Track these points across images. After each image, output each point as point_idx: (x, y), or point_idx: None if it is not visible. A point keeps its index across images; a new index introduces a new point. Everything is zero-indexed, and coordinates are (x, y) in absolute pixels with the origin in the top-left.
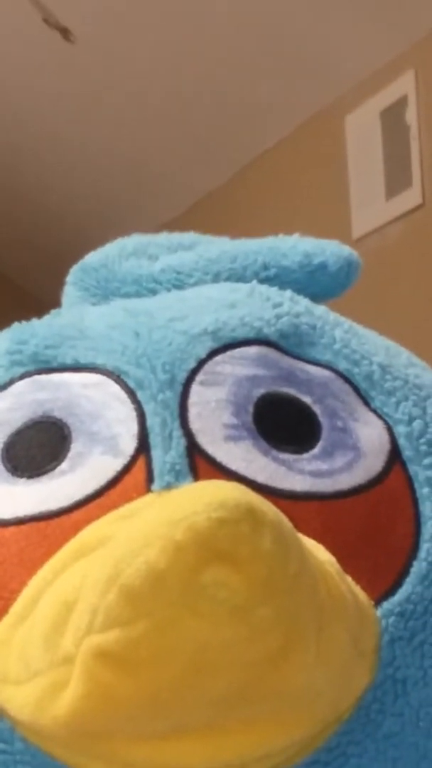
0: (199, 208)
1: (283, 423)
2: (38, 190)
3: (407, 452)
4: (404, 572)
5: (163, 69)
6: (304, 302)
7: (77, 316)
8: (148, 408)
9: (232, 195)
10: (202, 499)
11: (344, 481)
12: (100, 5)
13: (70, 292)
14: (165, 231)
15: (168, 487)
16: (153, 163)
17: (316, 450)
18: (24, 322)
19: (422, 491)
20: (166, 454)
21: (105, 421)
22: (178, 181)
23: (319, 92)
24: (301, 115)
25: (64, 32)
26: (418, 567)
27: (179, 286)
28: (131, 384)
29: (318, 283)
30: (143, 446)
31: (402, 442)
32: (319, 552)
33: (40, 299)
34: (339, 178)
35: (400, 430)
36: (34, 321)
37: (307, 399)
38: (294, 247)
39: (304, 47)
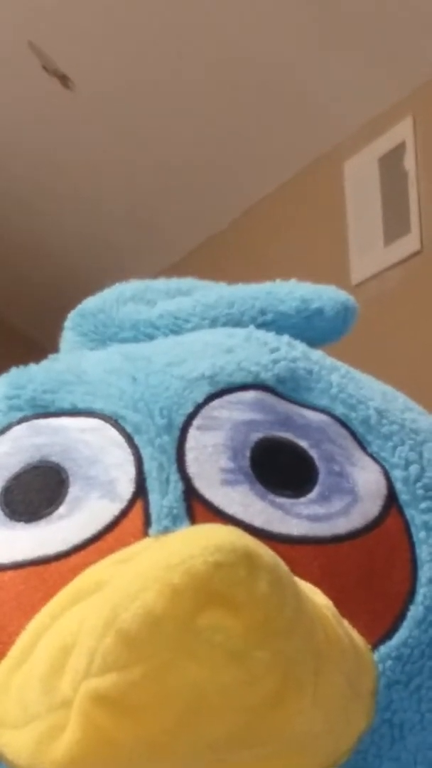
0: (199, 253)
1: (280, 467)
2: (35, 234)
3: (404, 496)
4: (401, 616)
5: (163, 115)
6: (301, 347)
7: (75, 361)
8: (146, 452)
9: (232, 240)
10: (198, 542)
11: (341, 526)
12: (100, 53)
13: (68, 337)
14: (164, 276)
15: (165, 531)
16: (152, 208)
17: (313, 494)
18: (22, 367)
19: (419, 535)
20: (164, 499)
21: (102, 466)
22: (177, 226)
23: (318, 138)
24: (301, 161)
25: (63, 79)
26: (414, 611)
27: (177, 331)
28: (129, 429)
29: (315, 328)
30: (140, 491)
31: (399, 486)
32: (316, 596)
33: (37, 342)
34: (338, 223)
35: (397, 474)
36: (32, 366)
37: (304, 443)
38: (291, 292)
39: (303, 94)
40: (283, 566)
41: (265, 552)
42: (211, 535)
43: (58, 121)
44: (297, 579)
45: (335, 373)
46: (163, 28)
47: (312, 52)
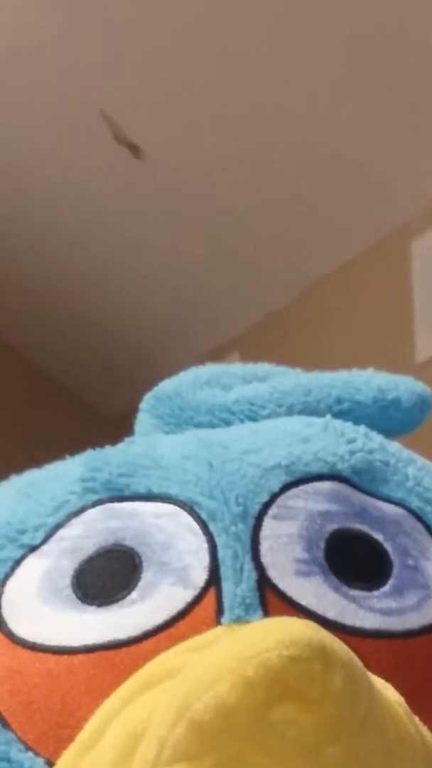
0: (260, 328)
1: (354, 559)
2: (103, 305)
3: None
4: None
5: (230, 189)
6: (377, 438)
7: (151, 444)
8: (220, 540)
9: (295, 316)
10: (274, 635)
11: (414, 620)
12: (171, 123)
13: (143, 419)
14: (227, 348)
15: (238, 620)
16: (217, 282)
17: (386, 588)
18: (98, 449)
19: None
20: (237, 587)
21: (176, 552)
22: (238, 301)
23: (385, 216)
24: (367, 239)
25: (134, 150)
26: None
27: (253, 417)
28: (204, 515)
29: (391, 419)
30: (214, 578)
31: None
32: (388, 692)
33: (109, 416)
34: (403, 301)
35: None
36: (108, 448)
37: (378, 536)
38: (368, 381)
39: (370, 170)
40: (358, 662)
41: (340, 647)
42: (287, 628)
43: (127, 192)
44: (369, 674)
45: (411, 466)
46: (233, 101)
47: (379, 128)
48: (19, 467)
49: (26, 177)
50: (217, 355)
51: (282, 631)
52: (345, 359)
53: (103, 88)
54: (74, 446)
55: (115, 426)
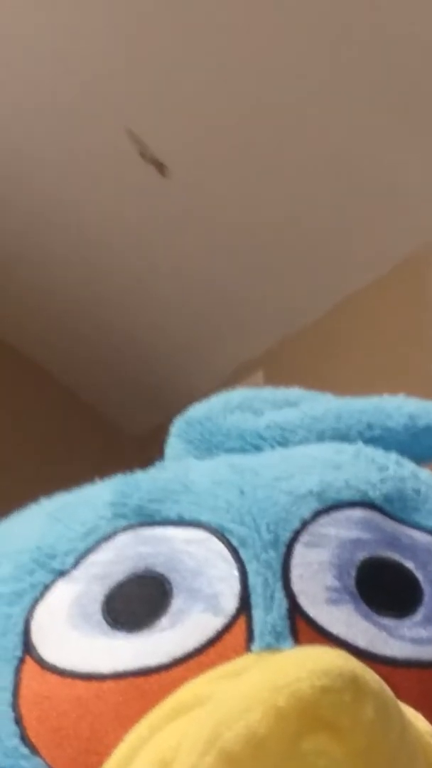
0: (285, 347)
1: (385, 588)
2: (127, 325)
3: None
4: None
5: (256, 209)
6: (409, 466)
7: (182, 470)
8: (251, 567)
9: (319, 336)
10: (305, 665)
11: None
12: (196, 141)
13: (174, 444)
14: (251, 367)
15: (268, 647)
16: (241, 301)
17: (417, 617)
18: (128, 474)
19: None
20: (267, 615)
21: (207, 579)
22: (263, 320)
23: (406, 237)
24: (391, 260)
25: (160, 167)
26: None
27: (283, 442)
28: (234, 542)
29: (422, 445)
30: (244, 606)
31: None
32: (419, 721)
33: (125, 430)
34: (428, 322)
35: None
36: (139, 473)
37: (410, 564)
38: (399, 408)
39: (393, 194)
40: (389, 692)
41: (371, 677)
42: (319, 658)
43: (152, 209)
44: (400, 704)
45: None
46: (260, 121)
47: (403, 152)
48: (45, 485)
49: (51, 195)
50: (241, 374)
51: (314, 661)
52: (368, 379)
53: (129, 106)
54: (98, 464)
55: (139, 445)
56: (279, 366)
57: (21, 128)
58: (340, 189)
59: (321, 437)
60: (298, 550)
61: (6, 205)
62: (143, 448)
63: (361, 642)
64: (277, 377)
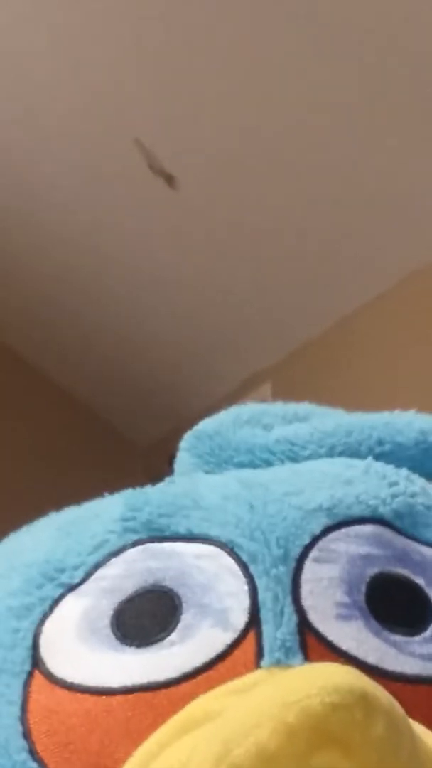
0: (293, 359)
1: (395, 604)
2: (136, 336)
3: None
4: None
5: (265, 220)
6: (420, 482)
7: (191, 484)
8: (261, 582)
9: (327, 347)
10: (315, 682)
11: None
12: (205, 153)
13: (183, 458)
14: (260, 379)
15: (278, 663)
16: (249, 313)
17: (428, 633)
18: (138, 489)
19: None
20: (277, 631)
21: (216, 594)
22: (274, 330)
23: (418, 249)
24: (400, 272)
25: (168, 179)
26: None
27: (293, 457)
28: (244, 557)
29: None
30: (254, 621)
31: None
32: (429, 738)
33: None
34: None
35: None
36: (149, 488)
37: (420, 580)
38: (410, 423)
39: (403, 204)
40: (399, 709)
41: (381, 694)
42: (329, 675)
43: (161, 221)
44: (411, 721)
45: None
46: (267, 132)
47: (414, 162)
48: (55, 495)
49: (60, 206)
50: (250, 385)
51: (324, 678)
52: (377, 391)
53: (137, 117)
54: (107, 474)
55: (147, 455)
56: (287, 378)
57: (29, 139)
58: (348, 203)
59: (331, 452)
60: (308, 566)
61: (14, 215)
62: (152, 458)
63: (371, 658)
64: (284, 389)
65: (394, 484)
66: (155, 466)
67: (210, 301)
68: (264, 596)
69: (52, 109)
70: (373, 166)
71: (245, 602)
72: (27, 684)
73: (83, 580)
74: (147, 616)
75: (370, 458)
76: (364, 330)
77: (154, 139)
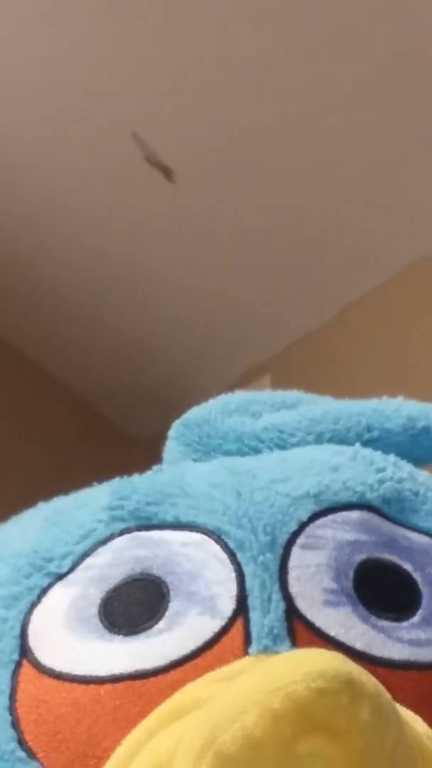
0: (292, 351)
1: (383, 590)
2: (135, 329)
3: None
4: None
5: (263, 213)
6: (407, 468)
7: (179, 473)
8: (248, 569)
9: (326, 339)
10: (301, 667)
11: None
12: (202, 146)
13: (171, 447)
14: (259, 371)
15: (265, 650)
16: (248, 305)
17: (415, 618)
18: (126, 478)
19: None
20: (265, 617)
21: (204, 581)
22: (273, 322)
23: (417, 239)
24: (399, 263)
25: (166, 171)
26: None
27: (282, 445)
28: (232, 545)
29: (421, 447)
30: (242, 608)
31: None
32: (417, 723)
33: (133, 434)
34: (431, 327)
35: None
36: (136, 476)
37: (407, 566)
38: (398, 410)
39: (402, 195)
40: (386, 694)
41: (368, 679)
42: (315, 660)
43: (158, 213)
44: (398, 706)
45: None
46: (266, 125)
47: (411, 154)
48: (53, 488)
49: (57, 199)
50: (249, 377)
51: (309, 663)
52: (377, 382)
53: (135, 110)
54: (106, 468)
55: (147, 449)
56: (286, 370)
57: (27, 133)
58: (346, 196)
59: (319, 439)
60: (296, 552)
61: (12, 210)
62: (152, 452)
63: (359, 644)
64: (284, 381)
65: (382, 470)
66: (155, 458)
67: (210, 294)
68: (251, 583)
69: (49, 104)
70: (371, 158)
71: (233, 589)
72: (15, 674)
73: (71, 570)
74: (135, 604)
75: (357, 444)
76: (363, 322)
77: (152, 133)
